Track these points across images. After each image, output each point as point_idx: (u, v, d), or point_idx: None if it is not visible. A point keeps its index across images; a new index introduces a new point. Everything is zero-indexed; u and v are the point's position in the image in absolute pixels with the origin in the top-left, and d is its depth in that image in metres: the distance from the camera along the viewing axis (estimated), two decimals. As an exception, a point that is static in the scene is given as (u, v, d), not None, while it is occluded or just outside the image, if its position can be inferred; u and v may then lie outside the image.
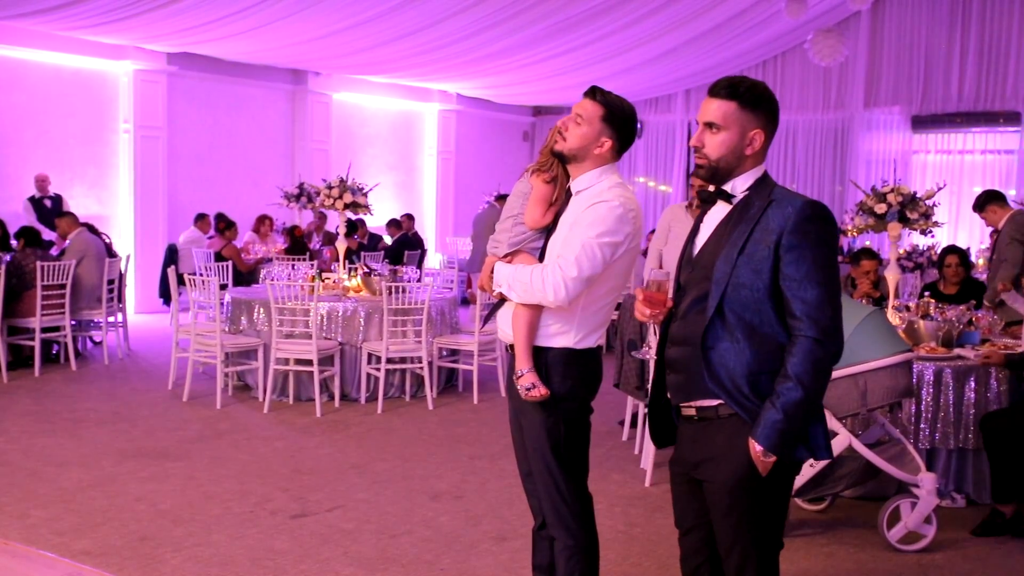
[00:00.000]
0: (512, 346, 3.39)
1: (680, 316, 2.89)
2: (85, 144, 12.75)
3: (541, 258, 3.40)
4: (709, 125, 2.80)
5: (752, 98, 2.77)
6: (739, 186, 2.83)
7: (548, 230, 3.42)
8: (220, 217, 12.16)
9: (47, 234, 10.68)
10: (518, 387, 3.33)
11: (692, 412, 2.87)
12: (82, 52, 12.32)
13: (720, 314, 2.75)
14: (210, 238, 12.28)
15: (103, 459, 6.27)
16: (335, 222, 12.87)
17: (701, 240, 2.90)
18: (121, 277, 10.06)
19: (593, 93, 3.29)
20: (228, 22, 11.22)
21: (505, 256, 3.43)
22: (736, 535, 2.80)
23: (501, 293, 3.38)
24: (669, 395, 2.97)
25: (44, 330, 9.00)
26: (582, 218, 3.23)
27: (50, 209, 11.50)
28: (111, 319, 9.91)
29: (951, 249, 7.61)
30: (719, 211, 2.87)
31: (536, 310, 3.30)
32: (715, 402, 2.79)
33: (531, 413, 3.35)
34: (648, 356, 5.71)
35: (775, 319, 2.72)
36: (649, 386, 5.72)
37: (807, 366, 2.65)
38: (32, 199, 11.69)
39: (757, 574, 2.81)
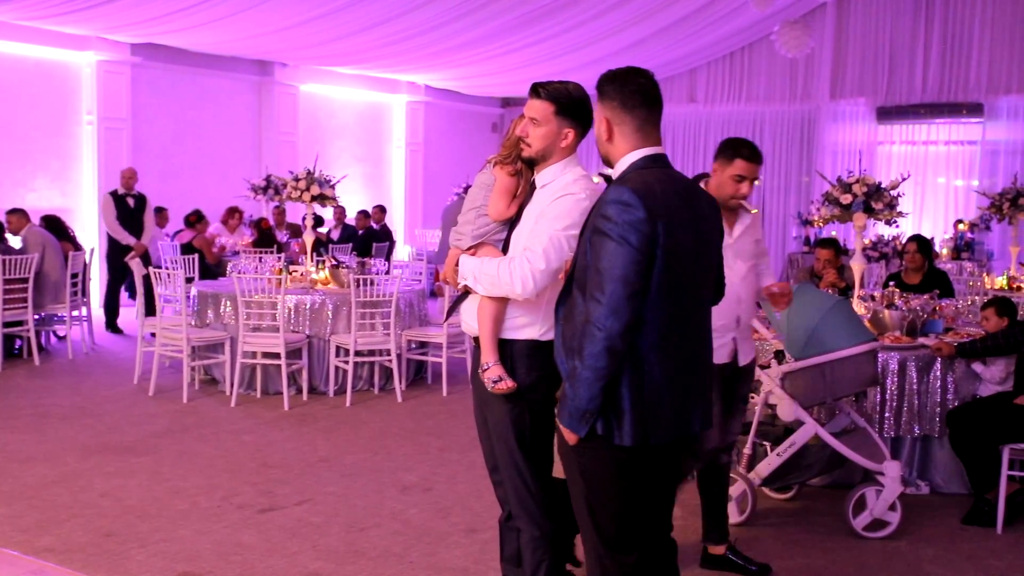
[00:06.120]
0: (477, 338, 3.39)
1: None
2: (48, 136, 12.56)
3: (504, 250, 3.39)
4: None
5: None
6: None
7: (512, 222, 3.42)
8: (193, 212, 11.99)
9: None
10: (484, 380, 3.33)
11: None
12: (44, 43, 12.10)
13: (568, 292, 2.90)
14: (178, 232, 12.15)
15: (67, 455, 6.20)
16: (298, 215, 12.77)
17: None
18: (85, 270, 9.93)
19: (536, 91, 3.29)
20: (193, 12, 11.08)
21: (469, 248, 3.42)
22: (581, 521, 2.97)
23: (466, 286, 3.37)
24: None
25: (6, 324, 8.88)
26: (548, 211, 3.24)
27: (132, 208, 10.76)
28: (75, 313, 9.78)
29: (912, 237, 7.57)
30: None
31: (501, 303, 3.30)
32: None
33: (496, 405, 3.36)
34: None
35: (582, 300, 2.82)
36: None
37: (582, 346, 2.74)
38: (113, 194, 10.81)
39: (595, 565, 2.96)
